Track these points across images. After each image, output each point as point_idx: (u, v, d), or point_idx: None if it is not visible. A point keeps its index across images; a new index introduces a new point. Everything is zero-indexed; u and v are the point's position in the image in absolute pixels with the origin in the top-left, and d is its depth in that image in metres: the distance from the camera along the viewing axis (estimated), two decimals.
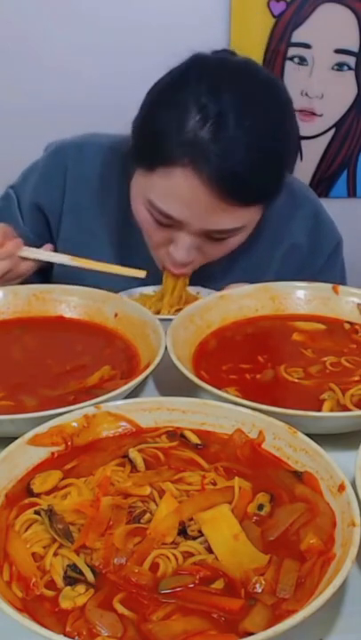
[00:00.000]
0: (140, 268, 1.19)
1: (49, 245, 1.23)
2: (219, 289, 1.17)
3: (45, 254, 1.20)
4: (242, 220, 1.11)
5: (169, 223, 1.11)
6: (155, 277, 1.22)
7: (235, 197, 1.06)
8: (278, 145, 1.09)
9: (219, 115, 1.02)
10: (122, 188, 1.19)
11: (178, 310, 1.18)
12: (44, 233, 1.33)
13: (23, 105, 1.59)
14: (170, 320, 1.02)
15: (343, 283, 1.38)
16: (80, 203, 1.31)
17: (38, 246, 1.22)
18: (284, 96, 1.12)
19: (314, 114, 1.71)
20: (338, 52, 1.65)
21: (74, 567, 0.64)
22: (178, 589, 0.63)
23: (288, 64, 1.65)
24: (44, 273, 1.33)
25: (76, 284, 1.13)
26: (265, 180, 1.09)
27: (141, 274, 1.15)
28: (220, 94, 1.03)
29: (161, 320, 1.02)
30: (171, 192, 1.07)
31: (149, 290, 1.24)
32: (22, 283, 1.21)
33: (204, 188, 1.04)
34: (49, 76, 1.58)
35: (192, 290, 1.24)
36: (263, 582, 0.63)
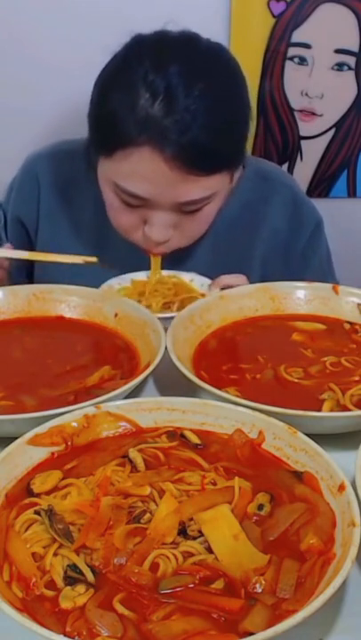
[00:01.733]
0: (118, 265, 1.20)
1: (8, 245, 1.24)
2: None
3: (5, 252, 1.21)
4: (210, 188, 1.10)
5: (138, 203, 1.11)
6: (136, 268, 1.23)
7: (197, 167, 1.06)
8: (231, 107, 1.10)
9: (167, 88, 1.03)
10: (93, 189, 1.19)
11: (166, 304, 1.17)
12: (26, 246, 1.35)
13: (23, 105, 1.59)
14: (170, 318, 1.02)
15: (329, 265, 1.39)
16: (54, 209, 1.33)
17: None
18: (230, 60, 1.13)
19: (314, 114, 1.71)
20: (338, 51, 1.65)
21: (74, 567, 0.64)
22: (178, 589, 0.63)
23: (288, 64, 1.65)
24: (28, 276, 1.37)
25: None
26: (224, 145, 1.09)
27: (93, 259, 1.15)
28: (165, 68, 1.04)
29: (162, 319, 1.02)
30: (133, 172, 1.07)
31: (142, 275, 1.23)
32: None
33: (165, 164, 1.04)
34: (48, 75, 1.58)
35: (186, 276, 1.23)
36: (263, 582, 0.63)
